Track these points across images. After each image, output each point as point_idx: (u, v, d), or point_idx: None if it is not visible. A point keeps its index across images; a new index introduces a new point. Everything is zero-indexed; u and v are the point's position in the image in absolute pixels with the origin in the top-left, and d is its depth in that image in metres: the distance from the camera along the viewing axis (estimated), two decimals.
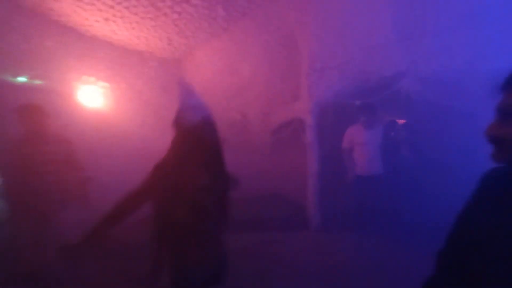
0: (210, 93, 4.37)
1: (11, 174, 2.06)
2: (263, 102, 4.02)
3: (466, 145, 2.94)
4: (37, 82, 3.01)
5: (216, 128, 1.26)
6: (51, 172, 2.11)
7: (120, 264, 2.55)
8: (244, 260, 2.65)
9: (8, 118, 2.72)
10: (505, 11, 2.40)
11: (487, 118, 0.63)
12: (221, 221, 1.26)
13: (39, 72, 3.00)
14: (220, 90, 4.29)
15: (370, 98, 3.09)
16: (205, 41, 4.01)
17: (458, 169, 2.80)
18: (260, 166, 3.92)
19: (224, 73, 4.20)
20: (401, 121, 3.88)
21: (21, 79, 2.91)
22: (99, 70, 3.48)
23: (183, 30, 3.56)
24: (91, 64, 3.39)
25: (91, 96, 3.26)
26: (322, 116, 3.38)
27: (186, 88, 1.34)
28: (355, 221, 3.21)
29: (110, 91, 3.55)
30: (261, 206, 3.79)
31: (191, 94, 1.29)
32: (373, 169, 3.06)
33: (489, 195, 0.56)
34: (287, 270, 2.56)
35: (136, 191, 1.20)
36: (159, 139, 4.05)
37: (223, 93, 4.28)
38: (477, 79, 2.68)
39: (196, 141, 1.18)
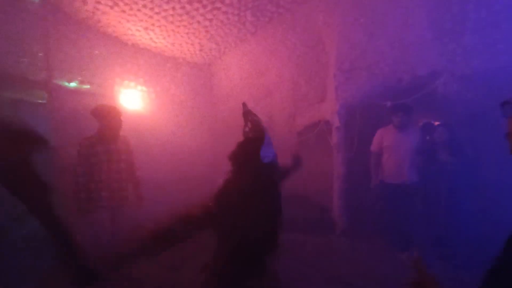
0: (237, 95, 4.53)
1: (83, 170, 2.14)
2: (289, 104, 4.06)
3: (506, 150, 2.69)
4: (86, 86, 3.38)
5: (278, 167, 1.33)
6: (118, 170, 2.24)
7: None
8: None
9: (67, 118, 3.10)
10: None
11: None
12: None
13: (87, 78, 3.37)
14: (247, 93, 4.41)
15: (402, 99, 2.96)
16: (234, 45, 4.17)
17: (501, 178, 2.58)
18: (285, 168, 3.94)
19: (251, 76, 4.32)
20: (437, 123, 3.64)
21: (73, 84, 3.29)
22: (139, 75, 3.80)
23: (213, 36, 3.75)
24: (132, 70, 3.72)
25: (132, 99, 3.58)
26: (349, 117, 3.32)
27: (259, 124, 1.29)
28: (379, 231, 2.98)
29: (147, 94, 3.85)
30: (285, 208, 3.79)
31: (265, 132, 1.27)
32: (403, 176, 2.72)
33: None
34: (310, 270, 2.55)
35: (195, 215, 1.21)
36: (191, 139, 4.32)
37: (250, 96, 4.40)
38: None
39: (271, 176, 1.25)
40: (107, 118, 2.21)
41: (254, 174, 1.20)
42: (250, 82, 4.35)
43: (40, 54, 3.06)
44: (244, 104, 1.34)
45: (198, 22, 3.36)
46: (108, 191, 2.18)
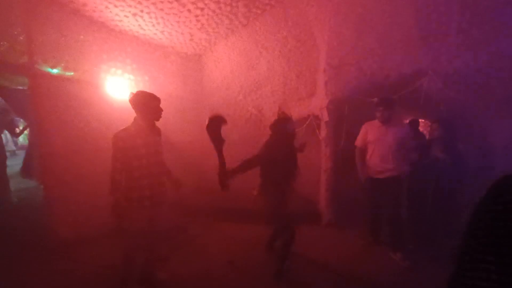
0: (227, 88, 4.49)
1: (120, 165, 1.93)
2: (279, 97, 4.08)
3: (490, 147, 2.85)
4: (69, 73, 3.25)
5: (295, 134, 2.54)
6: (157, 164, 2.07)
7: None
8: (258, 248, 2.80)
9: (50, 105, 2.97)
10: None
11: None
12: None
13: (71, 64, 3.23)
14: (238, 85, 4.39)
15: (389, 95, 3.05)
16: (225, 36, 4.12)
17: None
18: None
19: (242, 68, 4.30)
20: (422, 120, 3.77)
21: (56, 70, 3.16)
22: (126, 63, 3.69)
23: (204, 26, 3.68)
24: (119, 57, 3.60)
25: (119, 87, 3.48)
26: (337, 112, 3.39)
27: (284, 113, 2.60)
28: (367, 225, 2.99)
29: (135, 83, 3.75)
30: None
31: (288, 116, 2.51)
32: (387, 171, 2.67)
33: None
34: (298, 259, 2.63)
35: (253, 158, 2.24)
36: (179, 130, 4.26)
37: (240, 88, 4.38)
38: (502, 78, 2.59)
39: (291, 140, 2.45)
40: (147, 107, 1.99)
41: (285, 137, 2.38)
42: (241, 74, 4.33)
43: (21, 38, 2.91)
44: (279, 108, 3.00)
45: (189, 10, 3.29)
46: (149, 189, 1.99)
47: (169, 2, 3.09)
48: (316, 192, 3.62)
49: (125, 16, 3.25)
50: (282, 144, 2.34)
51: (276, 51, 3.93)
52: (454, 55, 2.74)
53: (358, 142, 2.90)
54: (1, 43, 2.89)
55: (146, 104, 1.98)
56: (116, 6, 3.07)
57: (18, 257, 2.70)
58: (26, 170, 5.04)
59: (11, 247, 2.84)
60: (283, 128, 2.38)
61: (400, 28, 2.90)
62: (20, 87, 3.88)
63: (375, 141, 2.75)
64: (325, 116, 3.35)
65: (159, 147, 2.12)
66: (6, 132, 4.72)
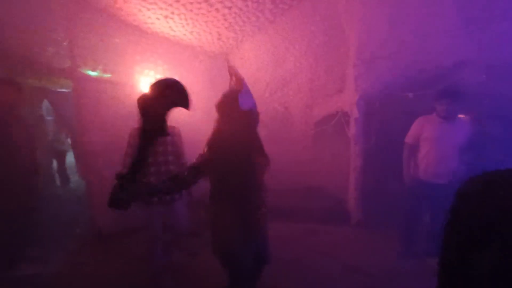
0: (253, 85, 4.52)
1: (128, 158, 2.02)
2: (306, 94, 4.03)
3: None
4: (107, 75, 3.46)
5: (258, 113, 1.54)
6: (166, 162, 2.16)
7: None
8: (282, 246, 2.75)
9: (91, 106, 3.20)
10: None
11: None
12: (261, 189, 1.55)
13: (109, 67, 3.43)
14: (264, 83, 4.40)
15: (424, 90, 2.89)
16: (252, 34, 4.13)
17: None
18: (301, 158, 3.97)
19: (269, 65, 4.29)
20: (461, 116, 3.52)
21: (95, 72, 3.37)
22: (158, 64, 3.84)
23: (232, 24, 3.72)
24: (151, 59, 3.76)
25: None
26: (368, 109, 3.27)
27: (239, 77, 1.49)
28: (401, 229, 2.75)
29: None
30: (301, 198, 3.84)
31: (243, 84, 1.47)
32: (445, 175, 2.36)
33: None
34: (326, 259, 2.60)
35: (197, 164, 1.42)
36: (206, 129, 4.37)
37: (267, 86, 4.38)
38: None
39: (249, 121, 1.47)
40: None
41: (234, 119, 1.41)
42: (267, 71, 4.33)
43: (65, 43, 3.13)
44: (227, 61, 1.61)
45: (217, 9, 3.34)
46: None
47: (197, 2, 3.16)
48: (345, 191, 3.55)
49: (157, 18, 3.38)
50: (234, 132, 1.43)
51: (303, 46, 3.88)
52: (499, 44, 2.53)
53: (409, 138, 2.58)
54: (47, 49, 3.13)
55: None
56: (148, 9, 3.20)
57: (64, 247, 2.95)
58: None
59: (59, 238, 3.12)
60: (234, 106, 1.39)
61: (437, 17, 2.72)
62: (65, 90, 4.19)
63: (434, 139, 2.41)
64: (354, 113, 3.26)
65: (168, 146, 2.19)
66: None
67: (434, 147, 2.42)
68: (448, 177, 2.38)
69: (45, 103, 4.99)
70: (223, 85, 5.23)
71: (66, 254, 2.84)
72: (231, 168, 1.40)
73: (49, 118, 5.43)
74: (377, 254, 2.70)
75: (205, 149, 1.44)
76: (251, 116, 1.46)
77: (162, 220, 2.16)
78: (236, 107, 1.37)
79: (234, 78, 1.50)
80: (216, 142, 1.44)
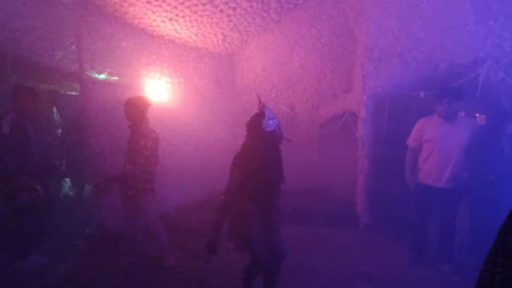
0: (259, 86, 4.47)
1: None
2: (312, 94, 3.94)
3: None
4: (114, 78, 3.50)
5: (282, 131, 1.82)
6: (141, 164, 2.32)
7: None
8: (288, 250, 2.70)
9: (99, 109, 3.26)
10: None
11: None
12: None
13: (116, 70, 3.47)
14: (270, 84, 4.34)
15: (439, 89, 2.75)
16: (257, 35, 4.09)
17: None
18: (308, 160, 3.87)
19: (275, 66, 4.23)
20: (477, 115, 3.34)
21: (103, 75, 3.41)
22: (164, 67, 3.86)
23: (236, 25, 3.69)
24: (157, 61, 3.79)
25: (157, 90, 3.66)
26: (376, 109, 3.15)
27: (264, 104, 1.79)
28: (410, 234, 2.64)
29: (171, 85, 3.91)
30: (307, 200, 3.75)
31: (268, 108, 1.76)
32: (447, 178, 2.26)
33: None
34: (334, 264, 2.52)
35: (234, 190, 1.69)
36: (212, 130, 4.36)
37: (273, 86, 4.32)
38: None
39: (273, 142, 1.75)
40: (134, 110, 2.36)
41: (257, 138, 1.72)
42: (273, 72, 4.27)
43: (73, 47, 3.19)
44: (257, 94, 1.94)
45: (221, 11, 3.32)
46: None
47: (202, 4, 3.15)
48: (352, 193, 3.44)
49: (162, 21, 3.40)
50: (262, 148, 1.72)
51: (309, 46, 3.80)
52: None
53: (411, 141, 2.49)
54: (56, 52, 3.19)
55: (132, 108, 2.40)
56: (153, 12, 3.21)
57: (72, 244, 3.00)
58: None
59: (68, 235, 3.17)
60: (257, 126, 1.72)
61: (452, 12, 2.59)
62: (74, 93, 4.29)
63: (435, 141, 2.32)
64: (362, 113, 3.14)
65: (144, 150, 2.33)
66: None
67: (437, 149, 2.31)
68: (453, 181, 2.26)
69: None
70: (228, 86, 5.22)
71: (74, 250, 2.89)
72: (255, 176, 1.66)
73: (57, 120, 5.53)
74: (386, 259, 2.60)
75: (235, 161, 1.73)
76: (274, 136, 1.74)
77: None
78: (258, 128, 1.70)
79: (261, 104, 1.79)
80: (243, 154, 1.74)
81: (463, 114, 3.35)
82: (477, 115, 3.08)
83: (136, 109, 2.35)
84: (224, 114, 4.59)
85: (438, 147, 2.31)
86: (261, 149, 1.70)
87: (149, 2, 3.04)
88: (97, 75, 3.30)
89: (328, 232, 3.19)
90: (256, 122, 1.73)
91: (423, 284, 2.23)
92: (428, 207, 2.44)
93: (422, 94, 2.88)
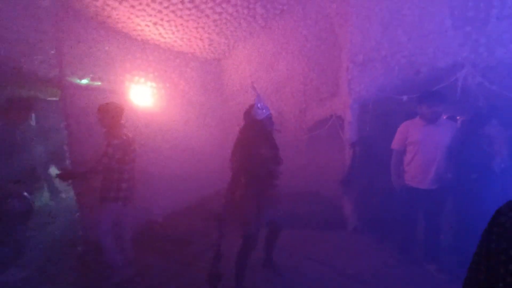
0: (247, 91, 4.46)
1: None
2: (299, 98, 3.97)
3: None
4: (97, 83, 3.40)
5: (273, 122, 2.10)
6: (116, 170, 2.36)
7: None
8: (277, 253, 2.67)
9: (80, 115, 3.15)
10: None
11: None
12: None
13: (98, 75, 3.38)
14: (257, 88, 4.33)
15: (421, 92, 2.82)
16: (243, 39, 4.10)
17: None
18: (296, 163, 3.88)
19: (261, 70, 4.24)
20: (459, 118, 3.45)
21: (84, 81, 3.31)
22: (148, 71, 3.79)
23: (223, 30, 3.68)
24: (142, 66, 3.71)
25: (142, 95, 3.58)
26: (362, 112, 3.21)
27: (257, 92, 2.06)
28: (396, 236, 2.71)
29: (157, 90, 3.84)
30: (295, 204, 3.74)
31: (260, 97, 2.03)
32: (431, 180, 2.31)
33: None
34: (322, 266, 2.51)
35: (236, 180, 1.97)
36: (200, 135, 4.31)
37: (260, 91, 4.32)
38: None
39: (264, 129, 2.00)
40: (110, 118, 2.37)
41: (248, 126, 2.02)
42: (260, 77, 4.28)
43: (52, 52, 3.08)
44: (253, 85, 2.27)
45: (207, 16, 3.30)
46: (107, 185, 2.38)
47: (187, 9, 3.12)
48: (340, 196, 3.46)
49: (146, 25, 3.34)
50: (252, 133, 1.98)
51: (296, 51, 3.83)
52: (496, 44, 2.47)
53: (395, 144, 2.52)
54: (35, 57, 3.07)
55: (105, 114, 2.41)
56: (137, 16, 3.16)
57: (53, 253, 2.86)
58: None
59: (49, 244, 3.03)
60: (247, 114, 2.08)
61: (432, 18, 2.67)
62: (54, 98, 4.14)
63: (419, 143, 2.37)
64: (348, 116, 3.19)
65: (117, 151, 2.35)
66: None
67: (421, 151, 2.36)
68: (438, 182, 2.32)
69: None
70: (215, 91, 5.18)
71: (55, 259, 2.75)
72: (250, 161, 1.92)
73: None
74: (374, 260, 2.61)
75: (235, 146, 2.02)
76: (265, 124, 2.00)
77: (116, 218, 2.42)
78: (249, 116, 2.02)
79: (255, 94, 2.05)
80: (238, 138, 2.01)
81: (445, 117, 3.47)
82: (458, 117, 3.18)
83: (107, 116, 2.31)
84: (212, 119, 4.55)
85: (422, 149, 2.36)
86: (251, 134, 1.95)
87: (132, 6, 2.98)
88: (78, 81, 3.20)
89: (317, 234, 3.19)
90: (249, 111, 2.04)
91: (410, 284, 2.26)
92: (414, 208, 2.48)
93: (405, 97, 2.95)
